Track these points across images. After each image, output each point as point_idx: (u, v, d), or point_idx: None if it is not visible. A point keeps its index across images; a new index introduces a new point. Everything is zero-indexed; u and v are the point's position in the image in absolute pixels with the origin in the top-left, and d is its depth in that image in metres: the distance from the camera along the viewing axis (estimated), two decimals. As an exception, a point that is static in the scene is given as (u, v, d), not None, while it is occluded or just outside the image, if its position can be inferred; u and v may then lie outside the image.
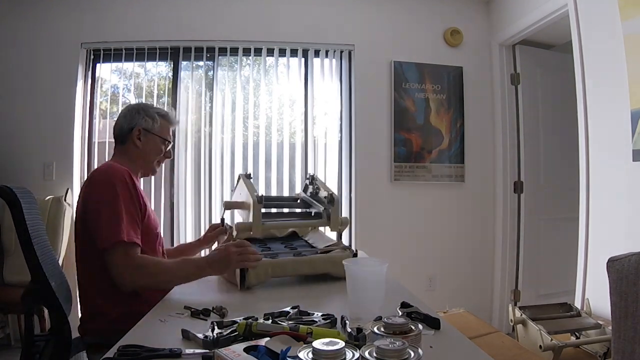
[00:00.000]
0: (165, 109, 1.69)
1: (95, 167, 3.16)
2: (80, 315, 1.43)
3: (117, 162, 1.51)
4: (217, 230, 1.78)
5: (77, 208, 1.44)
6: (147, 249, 1.42)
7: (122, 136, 1.58)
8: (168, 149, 1.64)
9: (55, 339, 1.34)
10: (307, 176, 1.73)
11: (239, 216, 1.76)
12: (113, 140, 1.63)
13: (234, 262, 1.31)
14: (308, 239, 1.73)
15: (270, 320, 0.97)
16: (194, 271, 1.34)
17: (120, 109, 3.19)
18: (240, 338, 0.87)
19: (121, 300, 1.35)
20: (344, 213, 3.25)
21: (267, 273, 1.37)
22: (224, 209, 1.74)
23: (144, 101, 3.22)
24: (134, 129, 1.55)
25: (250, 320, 0.91)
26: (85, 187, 1.42)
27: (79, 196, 1.44)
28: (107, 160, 1.61)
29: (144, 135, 1.56)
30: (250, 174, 1.65)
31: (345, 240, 3.25)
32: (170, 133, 1.63)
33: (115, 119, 1.68)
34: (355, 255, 1.51)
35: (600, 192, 2.28)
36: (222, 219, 1.77)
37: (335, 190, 3.23)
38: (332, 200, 1.52)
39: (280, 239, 1.73)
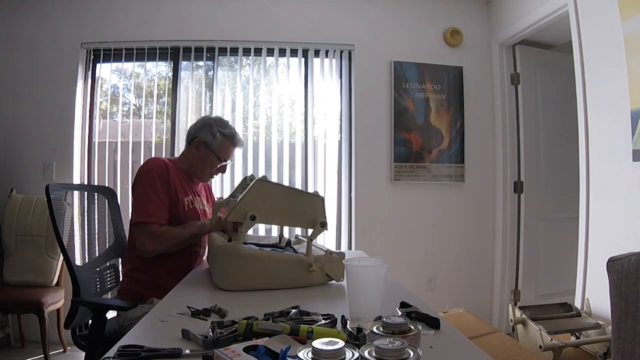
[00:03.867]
0: (231, 131, 1.85)
1: (96, 167, 3.18)
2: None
3: (170, 158, 1.86)
4: None
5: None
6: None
7: (187, 141, 1.86)
8: (221, 165, 1.84)
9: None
10: (244, 177, 1.76)
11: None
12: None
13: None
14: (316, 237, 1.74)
15: (271, 320, 0.97)
16: (197, 231, 1.67)
17: (121, 109, 3.22)
18: (240, 338, 0.87)
19: (147, 269, 1.68)
20: (344, 213, 3.28)
21: None
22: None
23: (143, 101, 3.23)
24: (196, 139, 1.80)
25: (250, 320, 0.91)
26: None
27: None
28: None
29: (202, 147, 1.80)
30: (265, 176, 1.62)
31: (345, 241, 3.27)
32: (230, 153, 1.84)
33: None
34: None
35: (600, 192, 2.28)
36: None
37: (335, 190, 3.26)
38: None
39: (275, 245, 1.75)
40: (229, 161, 1.87)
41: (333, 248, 3.11)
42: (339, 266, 1.42)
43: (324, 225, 1.42)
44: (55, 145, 3.03)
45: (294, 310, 1.05)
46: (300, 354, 0.64)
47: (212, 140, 1.78)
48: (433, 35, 3.33)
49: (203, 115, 3.21)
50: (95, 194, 2.02)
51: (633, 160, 2.01)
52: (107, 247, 1.97)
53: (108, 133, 3.19)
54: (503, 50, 3.31)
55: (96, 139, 3.18)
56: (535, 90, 3.33)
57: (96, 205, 1.98)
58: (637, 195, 2.02)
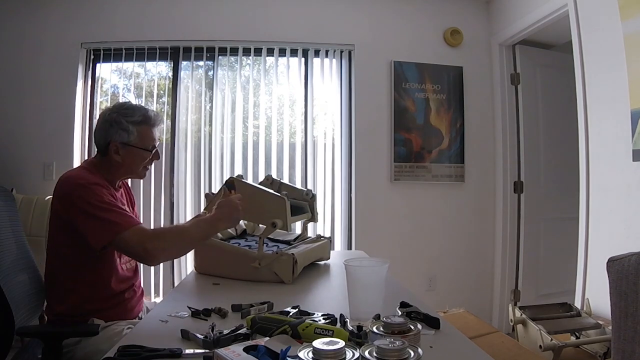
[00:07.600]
0: (153, 107, 1.54)
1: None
2: (46, 304, 1.52)
3: (92, 171, 1.46)
4: None
5: (53, 210, 1.45)
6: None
7: (101, 149, 1.50)
8: (153, 153, 1.54)
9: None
10: (266, 176, 1.82)
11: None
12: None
13: (240, 211, 1.39)
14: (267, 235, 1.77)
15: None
16: (209, 229, 1.38)
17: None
18: (240, 338, 0.87)
19: (89, 285, 1.43)
20: (345, 213, 3.28)
21: (301, 264, 1.50)
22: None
23: (143, 101, 3.22)
24: (110, 144, 1.46)
25: (262, 309, 0.91)
26: (64, 195, 1.38)
27: (55, 200, 1.44)
28: (85, 163, 1.55)
29: (122, 149, 1.47)
30: (241, 175, 1.71)
31: (345, 241, 3.27)
32: (154, 136, 1.53)
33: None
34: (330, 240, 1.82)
35: (600, 192, 2.28)
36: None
37: (335, 190, 3.26)
38: (314, 196, 1.76)
39: (236, 237, 1.80)
40: (157, 144, 1.56)
41: (334, 249, 3.11)
42: (287, 267, 1.43)
43: (274, 226, 1.46)
44: (55, 145, 3.03)
45: (294, 311, 1.05)
46: (301, 354, 0.64)
47: (129, 137, 1.46)
48: (433, 35, 3.33)
49: (202, 114, 3.21)
50: None
51: (633, 160, 2.01)
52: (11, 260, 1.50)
53: (108, 133, 3.19)
54: (503, 50, 3.31)
55: (96, 139, 3.18)
56: (535, 90, 3.33)
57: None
58: (637, 195, 2.02)
